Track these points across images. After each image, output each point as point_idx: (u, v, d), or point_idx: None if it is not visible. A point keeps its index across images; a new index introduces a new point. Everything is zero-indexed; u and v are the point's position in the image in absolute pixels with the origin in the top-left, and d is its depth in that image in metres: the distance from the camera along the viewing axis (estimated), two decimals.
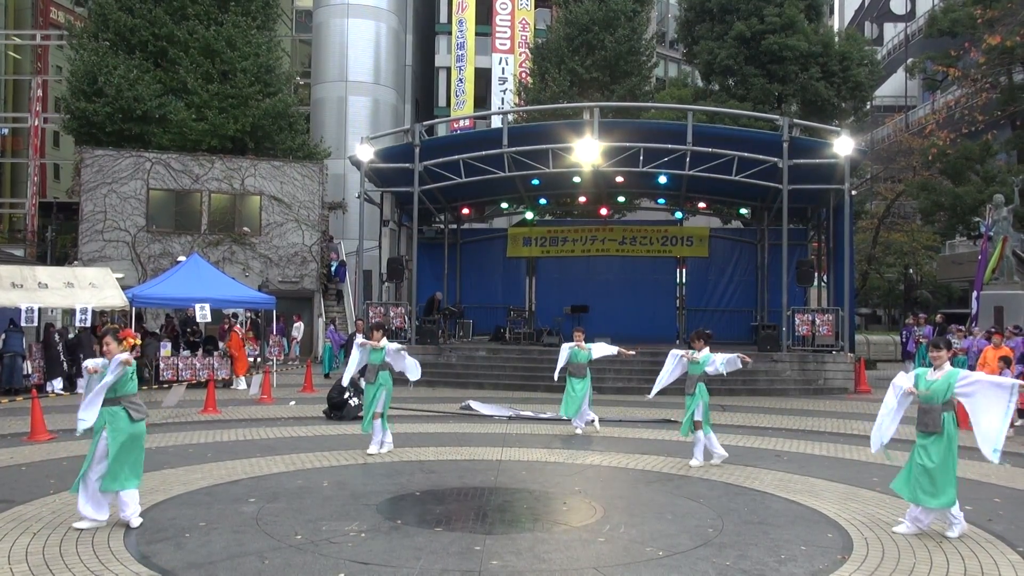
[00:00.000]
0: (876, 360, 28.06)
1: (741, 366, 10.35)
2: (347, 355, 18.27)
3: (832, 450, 11.35)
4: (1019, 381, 7.14)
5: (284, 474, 9.26)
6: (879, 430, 7.30)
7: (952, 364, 7.39)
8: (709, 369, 10.15)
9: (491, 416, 14.41)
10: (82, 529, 6.84)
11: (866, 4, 57.25)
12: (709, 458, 10.01)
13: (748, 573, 5.94)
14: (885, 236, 36.62)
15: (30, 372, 17.36)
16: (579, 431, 12.46)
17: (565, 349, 12.83)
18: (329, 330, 24.64)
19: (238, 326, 20.23)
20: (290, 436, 12.07)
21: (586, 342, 12.76)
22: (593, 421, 12.66)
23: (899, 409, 7.22)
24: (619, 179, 22.79)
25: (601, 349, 12.73)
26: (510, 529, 7.22)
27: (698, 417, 9.94)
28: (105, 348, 7.19)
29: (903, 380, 7.20)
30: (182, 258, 23.70)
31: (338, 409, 13.69)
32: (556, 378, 13.04)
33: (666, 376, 10.55)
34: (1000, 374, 13.47)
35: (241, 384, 18.86)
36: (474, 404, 15.34)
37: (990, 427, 6.82)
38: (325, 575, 5.76)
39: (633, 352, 13.26)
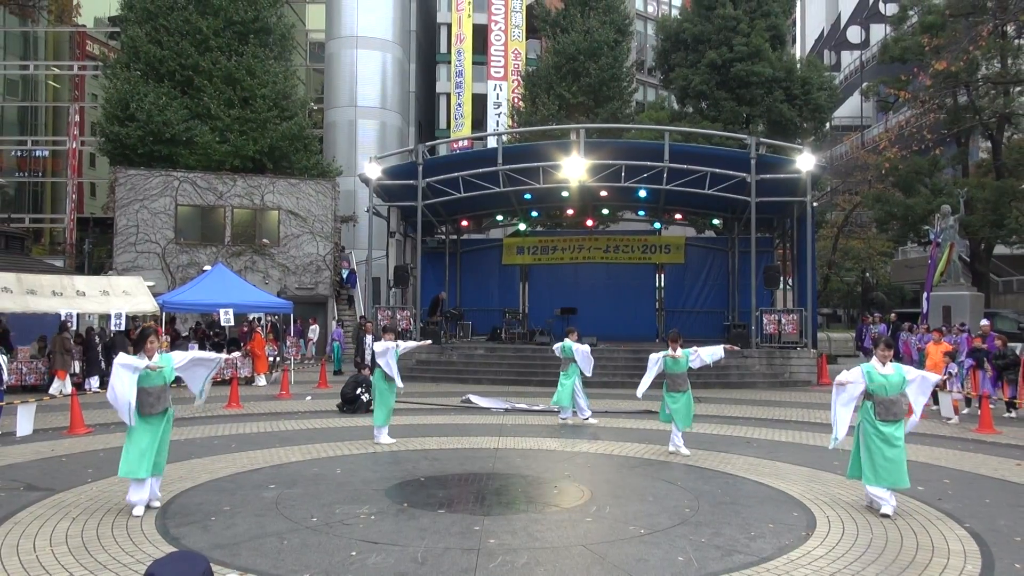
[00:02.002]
0: (836, 355, 28.13)
1: (724, 356, 10.33)
2: (358, 346, 18.17)
3: (797, 437, 11.37)
4: (939, 377, 7.79)
5: (301, 463, 9.23)
6: (841, 422, 7.41)
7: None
8: (694, 364, 10.12)
9: (489, 408, 14.39)
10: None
11: (825, 34, 57.42)
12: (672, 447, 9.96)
13: (721, 549, 5.94)
14: (844, 243, 36.76)
15: (76, 371, 17.30)
16: (569, 422, 12.42)
17: (558, 347, 12.81)
18: (337, 331, 24.57)
19: (260, 328, 20.14)
20: (306, 428, 12.04)
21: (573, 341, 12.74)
22: (587, 417, 12.45)
23: (852, 402, 7.41)
24: (603, 193, 22.81)
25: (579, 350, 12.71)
26: (506, 511, 7.21)
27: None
28: (149, 345, 7.19)
29: (847, 377, 7.36)
30: (208, 267, 23.62)
31: (351, 403, 13.67)
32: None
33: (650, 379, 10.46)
34: (946, 367, 13.60)
35: (261, 381, 18.81)
36: (473, 397, 15.31)
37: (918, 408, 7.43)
38: (338, 554, 5.75)
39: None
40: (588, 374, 12.48)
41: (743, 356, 19.32)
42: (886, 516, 6.85)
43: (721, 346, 10.31)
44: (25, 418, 11.17)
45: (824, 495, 7.68)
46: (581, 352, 12.35)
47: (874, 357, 7.37)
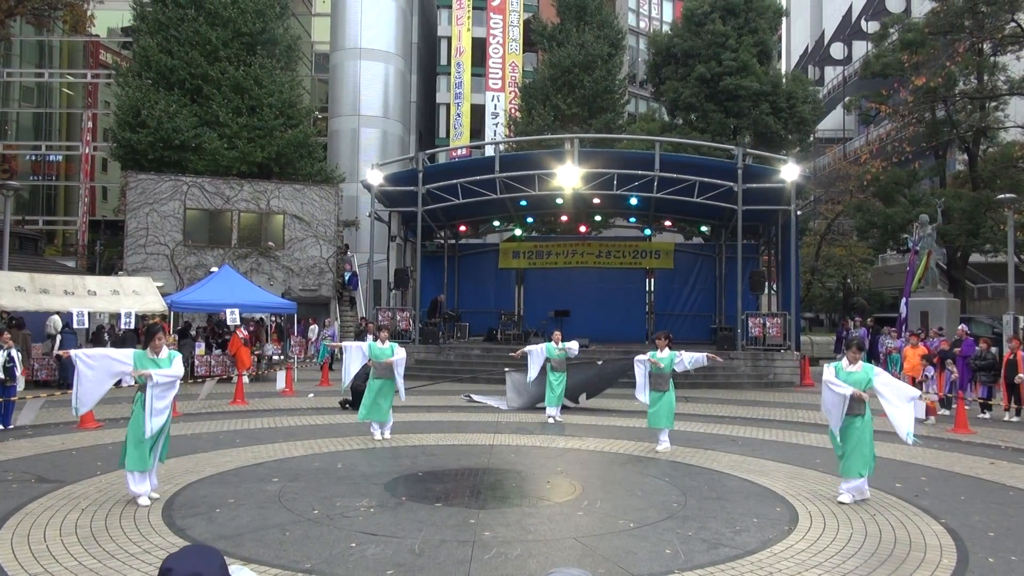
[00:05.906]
0: (818, 358, 28.04)
1: (707, 363, 10.35)
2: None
3: (780, 435, 11.37)
4: (919, 392, 7.92)
5: (303, 457, 9.20)
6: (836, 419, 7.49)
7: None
8: (677, 368, 10.11)
9: (490, 405, 14.29)
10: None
11: (809, 50, 57.60)
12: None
13: (707, 542, 5.94)
14: (826, 250, 36.83)
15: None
16: (551, 420, 12.38)
17: (540, 348, 12.79)
18: (327, 330, 24.49)
19: (240, 330, 19.55)
20: (309, 424, 12.01)
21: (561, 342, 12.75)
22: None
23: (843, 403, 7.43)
24: (596, 201, 22.81)
25: (574, 347, 12.73)
26: (501, 504, 7.19)
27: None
28: (156, 342, 7.15)
29: (832, 376, 7.42)
30: (215, 269, 23.55)
31: (361, 396, 13.47)
32: (532, 378, 13.00)
33: (643, 380, 10.44)
34: (923, 370, 13.63)
35: (245, 379, 18.45)
36: (475, 396, 15.25)
37: (903, 420, 7.34)
38: (339, 545, 5.74)
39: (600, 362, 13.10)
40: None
41: (729, 358, 19.32)
42: (843, 503, 7.09)
43: (704, 354, 10.33)
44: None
45: (806, 491, 7.69)
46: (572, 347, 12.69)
47: (844, 357, 7.58)
